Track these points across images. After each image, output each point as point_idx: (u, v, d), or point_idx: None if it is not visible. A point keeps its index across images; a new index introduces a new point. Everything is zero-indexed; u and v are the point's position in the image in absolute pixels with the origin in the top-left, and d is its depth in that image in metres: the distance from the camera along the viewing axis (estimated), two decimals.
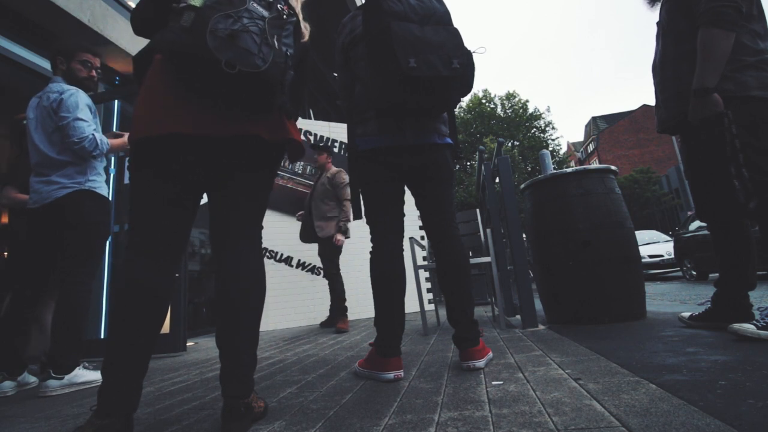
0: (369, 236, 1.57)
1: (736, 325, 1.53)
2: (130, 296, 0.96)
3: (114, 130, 3.52)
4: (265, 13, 0.98)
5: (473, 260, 2.65)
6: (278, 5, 1.02)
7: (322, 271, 4.18)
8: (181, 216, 1.05)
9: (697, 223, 6.70)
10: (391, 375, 1.37)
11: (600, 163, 37.70)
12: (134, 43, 3.39)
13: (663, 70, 1.79)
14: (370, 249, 1.54)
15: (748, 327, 1.48)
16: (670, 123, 1.78)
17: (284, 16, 1.02)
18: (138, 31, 1.13)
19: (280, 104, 1.03)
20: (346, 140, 4.74)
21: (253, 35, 0.93)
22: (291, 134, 1.13)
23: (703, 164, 1.72)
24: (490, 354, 1.52)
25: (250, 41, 0.92)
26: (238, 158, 1.07)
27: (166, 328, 2.86)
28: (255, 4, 0.97)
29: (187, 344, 3.16)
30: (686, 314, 2.05)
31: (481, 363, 1.40)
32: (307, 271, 4.16)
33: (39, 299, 2.05)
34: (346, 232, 3.42)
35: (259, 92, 0.98)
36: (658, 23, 1.86)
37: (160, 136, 0.97)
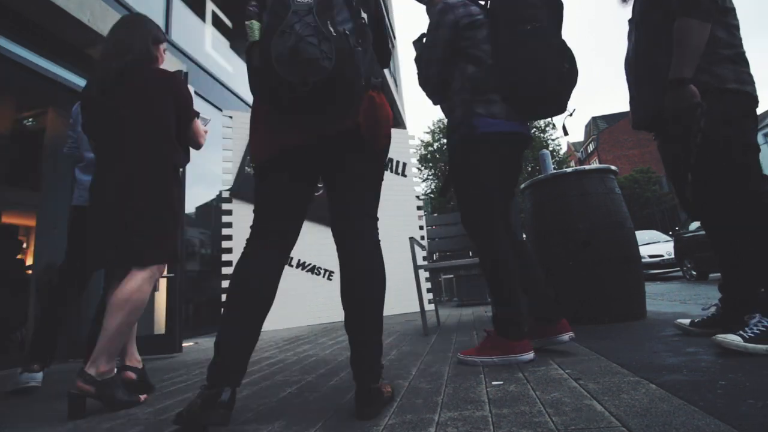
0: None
1: (720, 336, 1.39)
2: (245, 285, 1.08)
3: None
4: (311, 1, 0.99)
5: (473, 260, 2.65)
6: None
7: (324, 271, 4.20)
8: (298, 211, 1.21)
9: (697, 223, 6.70)
10: (530, 355, 1.41)
11: (600, 163, 37.69)
12: None
13: (637, 64, 1.78)
14: (493, 238, 1.55)
15: (734, 338, 1.35)
16: (646, 119, 1.77)
17: None
18: None
19: (364, 87, 1.05)
20: None
21: (309, 39, 0.95)
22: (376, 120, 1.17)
23: (681, 160, 1.71)
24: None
25: (311, 48, 0.95)
26: (347, 150, 1.15)
27: (161, 328, 2.85)
28: (297, 1, 0.99)
29: (188, 344, 3.16)
30: (685, 321, 1.83)
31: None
32: (307, 271, 4.16)
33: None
34: None
35: (341, 88, 1.01)
36: (630, 20, 1.86)
37: (274, 155, 1.13)
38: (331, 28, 0.98)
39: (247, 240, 1.17)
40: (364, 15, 1.12)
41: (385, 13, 1.36)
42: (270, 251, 1.14)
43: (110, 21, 3.22)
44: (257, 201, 1.19)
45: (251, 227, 1.19)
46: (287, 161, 1.13)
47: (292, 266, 4.11)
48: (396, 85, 11.54)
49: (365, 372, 1.04)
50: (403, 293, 4.36)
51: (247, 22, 1.02)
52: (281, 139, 1.11)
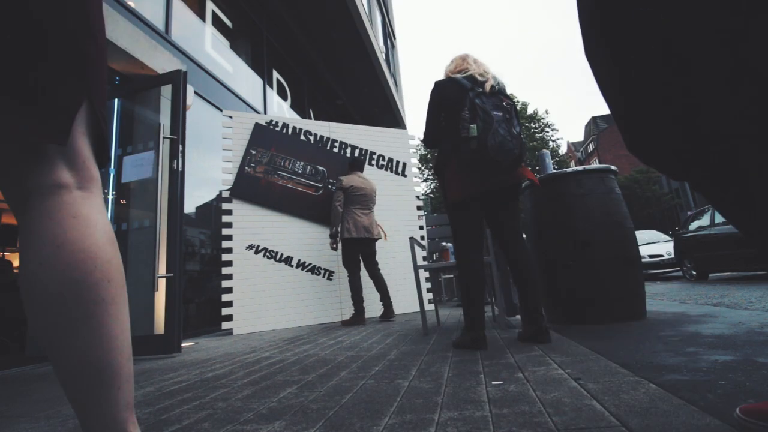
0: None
1: None
2: (477, 276, 1.91)
3: (114, 127, 3.52)
4: (500, 115, 1.79)
5: None
6: (504, 104, 1.85)
7: (324, 271, 4.20)
8: (483, 226, 2.01)
9: (697, 223, 6.70)
10: None
11: (600, 163, 37.70)
12: (134, 43, 3.39)
13: None
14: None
15: None
16: None
17: (509, 110, 1.85)
18: (429, 147, 2.20)
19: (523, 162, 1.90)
20: (345, 140, 4.75)
21: (507, 138, 1.76)
22: (528, 176, 1.97)
23: None
24: None
25: (508, 143, 1.76)
26: (508, 196, 1.99)
27: (160, 328, 2.83)
28: (497, 113, 1.79)
29: (188, 344, 3.16)
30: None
31: None
32: (307, 271, 4.16)
33: None
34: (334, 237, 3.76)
35: (516, 162, 1.82)
36: None
37: (470, 196, 1.91)
38: (513, 131, 1.80)
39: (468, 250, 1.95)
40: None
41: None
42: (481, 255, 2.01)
43: (110, 21, 3.23)
44: (464, 223, 1.97)
45: (466, 241, 1.97)
46: (480, 198, 1.94)
47: (292, 266, 4.11)
48: (396, 86, 11.55)
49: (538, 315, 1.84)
50: (403, 293, 4.37)
51: (471, 125, 1.77)
52: (480, 186, 1.88)
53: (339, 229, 3.70)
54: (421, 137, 2.22)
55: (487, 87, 1.90)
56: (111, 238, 0.58)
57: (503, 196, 1.99)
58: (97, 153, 0.62)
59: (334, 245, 3.74)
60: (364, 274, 3.78)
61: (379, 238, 3.88)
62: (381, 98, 9.54)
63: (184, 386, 1.62)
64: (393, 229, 4.43)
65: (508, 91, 2.08)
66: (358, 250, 3.74)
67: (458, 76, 1.99)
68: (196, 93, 4.25)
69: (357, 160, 4.04)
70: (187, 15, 4.69)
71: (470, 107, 1.81)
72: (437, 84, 2.05)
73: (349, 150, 4.70)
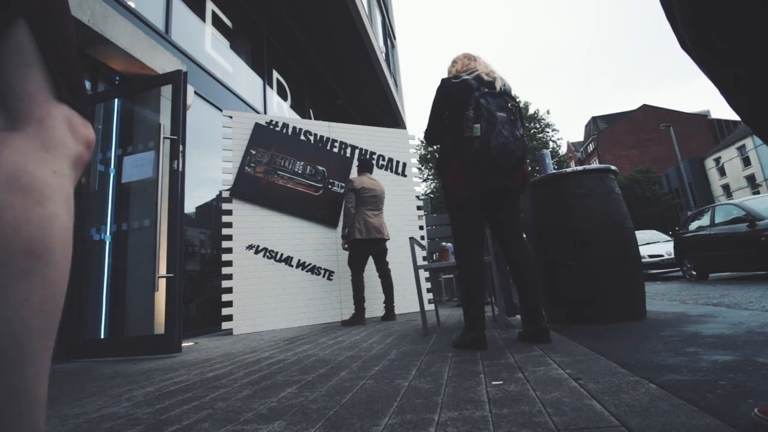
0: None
1: None
2: (478, 276, 1.90)
3: (114, 127, 3.52)
4: (504, 116, 1.80)
5: None
6: (509, 105, 1.86)
7: (324, 271, 4.20)
8: (483, 226, 2.00)
9: (697, 223, 6.70)
10: None
11: (600, 163, 37.69)
12: (134, 43, 3.39)
13: None
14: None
15: None
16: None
17: (514, 111, 1.86)
18: (430, 144, 2.20)
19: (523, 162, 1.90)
20: (345, 140, 4.75)
21: (510, 139, 1.77)
22: (528, 179, 1.98)
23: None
24: None
25: (511, 145, 1.77)
26: (508, 197, 1.98)
27: (160, 328, 2.83)
28: (501, 114, 1.80)
29: (188, 344, 3.15)
30: None
31: None
32: (307, 271, 4.16)
33: None
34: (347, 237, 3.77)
35: (518, 164, 1.83)
36: None
37: (471, 195, 1.90)
38: (517, 133, 1.81)
39: (468, 250, 1.94)
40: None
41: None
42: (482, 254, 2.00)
43: (110, 21, 3.23)
44: (464, 223, 1.96)
45: (467, 241, 1.96)
46: (480, 198, 1.93)
47: (292, 266, 4.11)
48: (396, 86, 11.55)
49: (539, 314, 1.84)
50: (403, 293, 4.37)
51: (475, 125, 1.78)
52: (481, 186, 1.89)
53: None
54: (422, 136, 2.21)
55: (497, 86, 1.91)
56: (21, 185, 0.43)
57: (504, 197, 1.99)
58: (65, 92, 0.50)
59: (346, 245, 3.77)
60: (366, 275, 3.79)
61: (389, 238, 3.90)
62: (381, 98, 9.54)
63: (184, 386, 1.62)
64: (393, 229, 4.43)
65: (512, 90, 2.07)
66: (367, 251, 3.76)
67: (465, 75, 1.98)
68: (196, 93, 4.25)
69: (366, 162, 4.05)
70: (187, 15, 4.69)
71: (475, 107, 1.81)
72: (443, 82, 2.04)
73: (349, 150, 4.70)
